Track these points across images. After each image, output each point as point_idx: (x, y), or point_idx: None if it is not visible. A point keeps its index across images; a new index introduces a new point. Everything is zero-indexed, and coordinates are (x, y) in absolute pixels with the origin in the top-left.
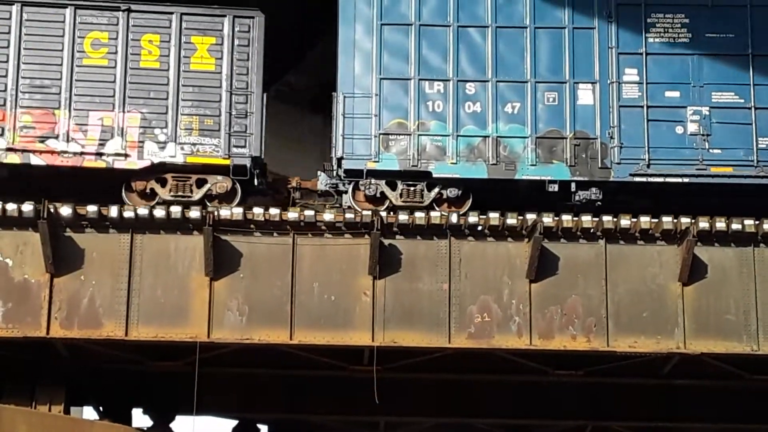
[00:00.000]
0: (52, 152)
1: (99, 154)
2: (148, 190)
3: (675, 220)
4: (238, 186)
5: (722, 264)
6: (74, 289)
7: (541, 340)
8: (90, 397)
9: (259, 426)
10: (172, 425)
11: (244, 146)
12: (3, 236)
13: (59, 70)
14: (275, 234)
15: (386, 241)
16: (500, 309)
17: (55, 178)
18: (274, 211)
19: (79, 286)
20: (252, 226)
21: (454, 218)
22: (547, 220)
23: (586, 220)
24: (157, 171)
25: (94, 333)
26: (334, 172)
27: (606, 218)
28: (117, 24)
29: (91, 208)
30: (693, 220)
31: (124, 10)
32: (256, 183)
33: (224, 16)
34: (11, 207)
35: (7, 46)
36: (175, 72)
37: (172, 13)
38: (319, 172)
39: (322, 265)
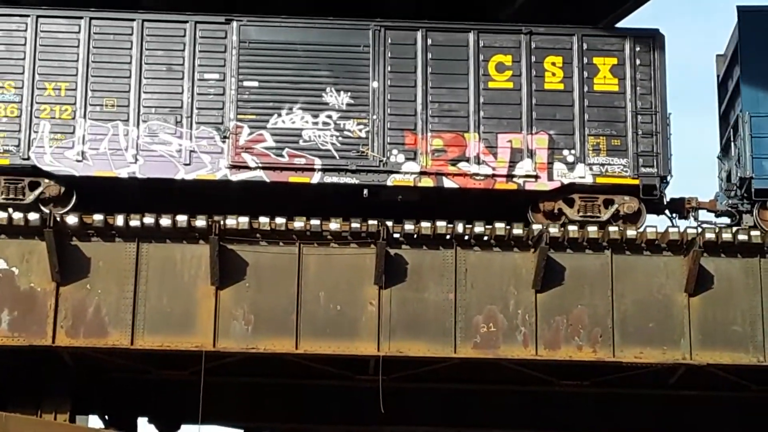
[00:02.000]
0: (464, 175)
1: (509, 176)
2: (555, 211)
3: (681, 231)
4: (643, 206)
5: (728, 275)
6: (80, 297)
7: (546, 351)
8: (95, 406)
9: None
10: None
11: (652, 166)
12: (9, 245)
13: (466, 94)
14: (281, 243)
15: (392, 251)
16: (506, 319)
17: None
18: (280, 221)
19: (85, 295)
20: (258, 235)
21: (460, 228)
22: (554, 230)
23: (592, 230)
24: (565, 192)
25: (100, 342)
26: (735, 192)
27: (612, 229)
28: (519, 47)
29: (98, 217)
30: (699, 231)
31: (525, 33)
32: (664, 202)
33: (624, 36)
34: (17, 216)
35: (414, 71)
36: (579, 93)
37: (573, 34)
38: (717, 192)
39: (327, 274)
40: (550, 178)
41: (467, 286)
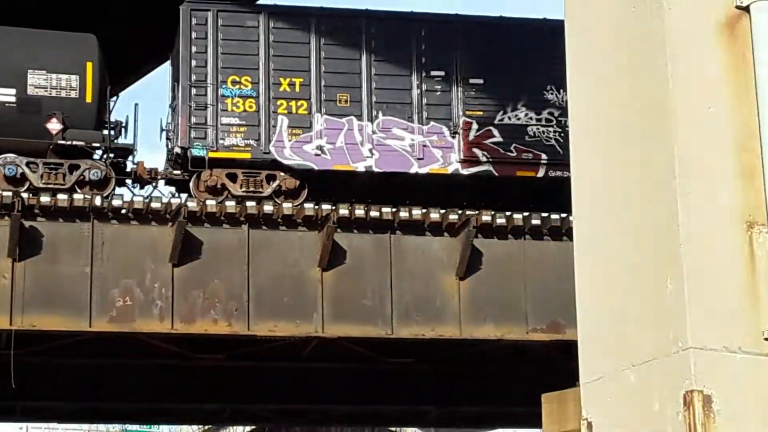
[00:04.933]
0: None
1: None
2: None
3: (317, 207)
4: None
5: (360, 250)
6: None
7: (182, 324)
8: None
9: None
10: None
11: None
12: None
13: None
14: None
15: (27, 223)
16: (142, 293)
17: None
18: None
19: None
20: None
21: (98, 201)
22: (192, 204)
23: (230, 205)
24: None
25: None
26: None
27: (250, 204)
28: None
29: None
30: (334, 207)
31: None
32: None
33: None
34: None
35: None
36: None
37: None
38: None
39: None
40: None
41: (104, 260)
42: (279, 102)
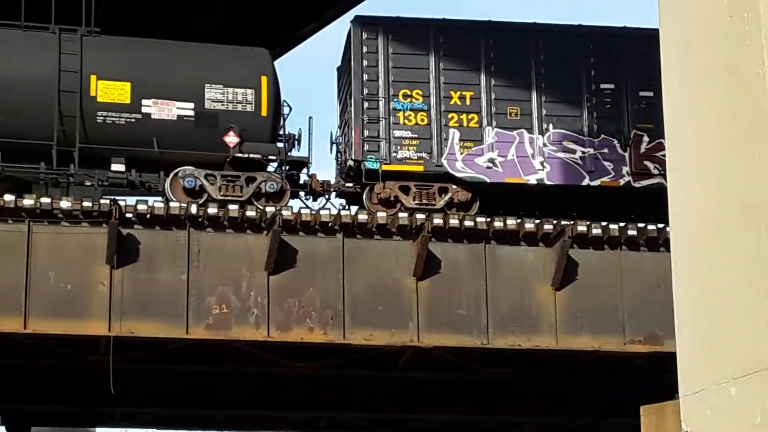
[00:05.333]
0: None
1: None
2: None
3: (410, 216)
4: None
5: (455, 260)
6: None
7: (278, 332)
8: None
9: None
10: None
11: None
12: None
13: None
14: (9, 221)
15: (125, 231)
16: (238, 300)
17: None
18: (8, 198)
19: None
20: None
21: (193, 209)
22: (287, 213)
23: (324, 213)
24: None
25: None
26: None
27: (344, 213)
28: None
29: None
30: (428, 217)
31: None
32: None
33: None
34: None
35: None
36: None
37: None
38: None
39: (58, 253)
40: None
41: (200, 268)
42: (450, 115)
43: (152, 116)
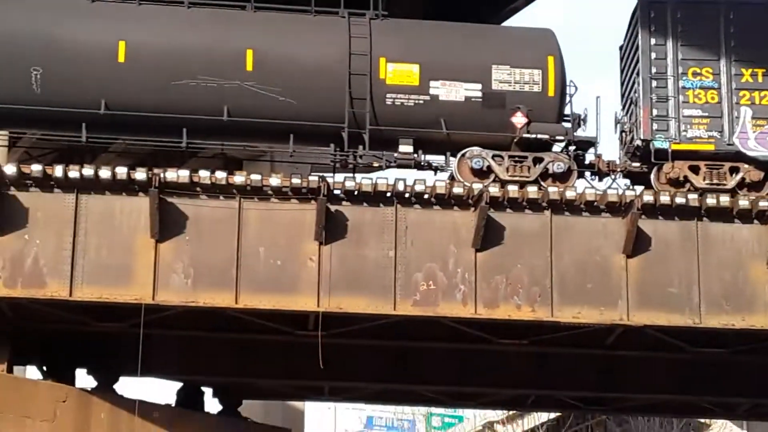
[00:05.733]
0: None
1: None
2: None
3: (620, 193)
4: None
5: (665, 237)
6: (18, 248)
7: (485, 309)
8: (34, 357)
9: (204, 389)
10: (115, 386)
11: None
12: None
13: None
14: (221, 197)
15: (333, 207)
16: (445, 277)
17: None
18: (220, 175)
19: (23, 246)
20: (198, 189)
21: (400, 185)
22: (494, 189)
23: (532, 190)
24: None
25: (38, 292)
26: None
27: (552, 189)
28: None
29: (36, 167)
30: (637, 193)
31: None
32: None
33: None
34: None
35: None
36: None
37: None
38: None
39: (268, 229)
40: None
41: (407, 244)
42: (741, 93)
43: (440, 98)
